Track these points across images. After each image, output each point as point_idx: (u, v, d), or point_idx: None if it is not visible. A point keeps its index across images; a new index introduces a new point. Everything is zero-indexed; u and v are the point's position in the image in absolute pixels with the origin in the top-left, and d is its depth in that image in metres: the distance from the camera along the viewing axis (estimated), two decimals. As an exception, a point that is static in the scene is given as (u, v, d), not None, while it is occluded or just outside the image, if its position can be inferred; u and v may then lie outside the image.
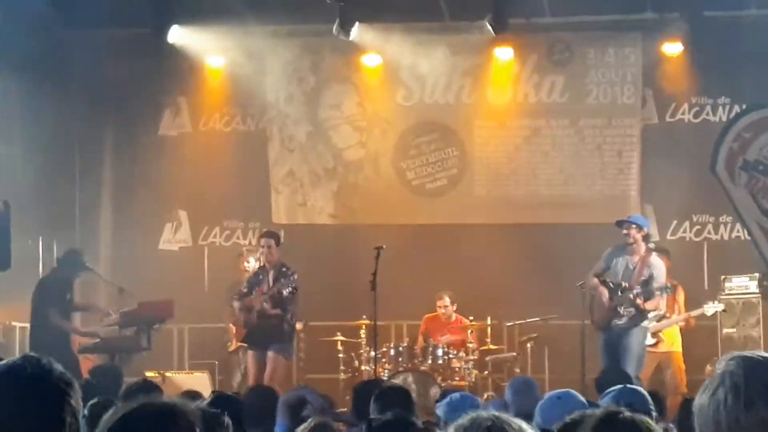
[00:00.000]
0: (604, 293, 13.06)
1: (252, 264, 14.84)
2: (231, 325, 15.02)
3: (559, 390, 6.58)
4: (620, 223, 13.21)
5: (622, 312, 12.96)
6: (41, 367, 3.01)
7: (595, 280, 13.22)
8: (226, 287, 15.19)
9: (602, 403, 6.13)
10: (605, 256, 13.27)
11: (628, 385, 6.47)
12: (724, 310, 14.60)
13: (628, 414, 3.93)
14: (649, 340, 13.62)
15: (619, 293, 12.98)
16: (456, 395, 7.05)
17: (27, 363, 3.02)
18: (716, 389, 2.77)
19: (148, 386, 7.51)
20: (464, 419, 3.05)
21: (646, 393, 6.24)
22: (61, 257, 14.49)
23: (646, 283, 12.95)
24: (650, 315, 13.22)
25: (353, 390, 8.62)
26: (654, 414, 6.02)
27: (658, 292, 12.96)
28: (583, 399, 6.44)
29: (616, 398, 6.07)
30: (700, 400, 2.82)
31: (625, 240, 13.05)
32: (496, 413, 3.07)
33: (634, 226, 13.08)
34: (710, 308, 14.52)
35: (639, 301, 12.85)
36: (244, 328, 13.63)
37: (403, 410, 5.94)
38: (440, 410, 6.80)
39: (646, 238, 13.27)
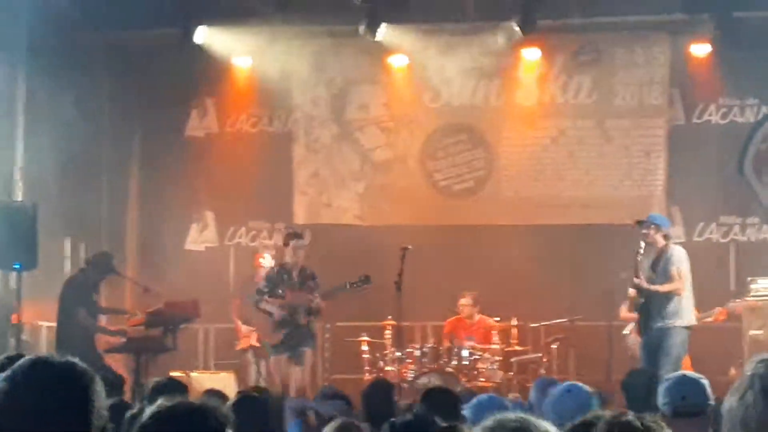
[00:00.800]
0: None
1: (267, 260, 14.89)
2: (238, 322, 15.06)
3: (567, 383, 6.54)
4: (640, 223, 13.05)
5: (640, 299, 12.83)
6: (66, 359, 3.07)
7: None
8: (241, 286, 15.28)
9: (661, 390, 6.08)
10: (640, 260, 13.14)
11: (688, 373, 6.44)
12: (726, 315, 14.48)
13: (633, 419, 3.89)
14: None
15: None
16: (484, 397, 7.02)
17: (52, 356, 3.09)
18: (745, 392, 2.76)
19: (174, 385, 7.50)
20: (489, 421, 3.03)
21: (705, 383, 6.18)
22: (92, 259, 14.52)
23: (665, 269, 12.80)
24: (678, 311, 12.95)
25: (363, 395, 8.53)
26: (711, 404, 5.96)
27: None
28: (590, 390, 6.38)
29: (674, 386, 6.03)
30: (729, 402, 2.81)
31: (644, 239, 12.90)
32: (522, 415, 3.05)
33: (653, 225, 12.95)
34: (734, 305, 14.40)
35: (637, 279, 12.68)
36: (282, 327, 13.47)
37: (451, 413, 5.92)
38: (467, 411, 6.77)
39: (666, 237, 13.13)
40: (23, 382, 3.04)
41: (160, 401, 3.10)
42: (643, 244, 12.82)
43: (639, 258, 12.88)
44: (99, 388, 3.09)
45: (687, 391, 6.10)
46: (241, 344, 15.20)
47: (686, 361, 14.25)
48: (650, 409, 8.03)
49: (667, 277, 12.72)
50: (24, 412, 3.00)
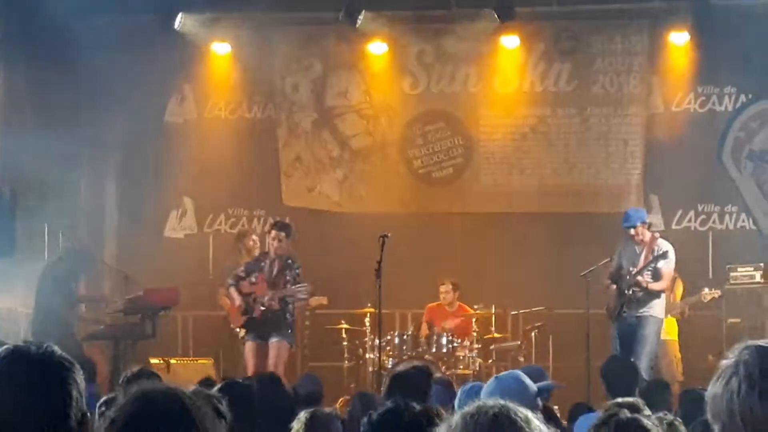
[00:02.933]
0: (615, 287, 13.06)
1: (256, 243, 14.91)
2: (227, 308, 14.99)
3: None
4: (628, 227, 13.10)
5: (628, 294, 12.91)
6: (44, 347, 3.08)
7: (608, 281, 13.23)
8: (226, 269, 15.28)
9: None
10: (617, 254, 13.26)
11: None
12: (720, 296, 14.60)
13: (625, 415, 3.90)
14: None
15: (627, 278, 12.96)
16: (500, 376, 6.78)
17: (30, 345, 3.09)
18: (730, 379, 2.76)
19: (147, 374, 7.54)
20: (470, 407, 3.03)
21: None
22: (68, 248, 14.48)
23: (655, 265, 12.92)
24: (656, 301, 13.09)
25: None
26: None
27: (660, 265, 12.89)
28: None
29: None
30: (714, 389, 2.81)
31: (633, 238, 13.02)
32: (502, 401, 3.05)
33: (639, 224, 13.07)
34: (707, 294, 14.53)
35: (641, 278, 12.79)
36: (243, 315, 13.56)
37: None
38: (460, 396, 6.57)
39: (648, 227, 13.30)
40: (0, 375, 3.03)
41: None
42: (625, 243, 12.98)
43: (615, 258, 13.08)
44: (78, 377, 3.08)
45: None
46: (242, 332, 15.06)
47: (674, 345, 14.39)
48: (629, 394, 8.08)
49: (657, 275, 12.83)
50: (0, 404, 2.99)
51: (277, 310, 13.28)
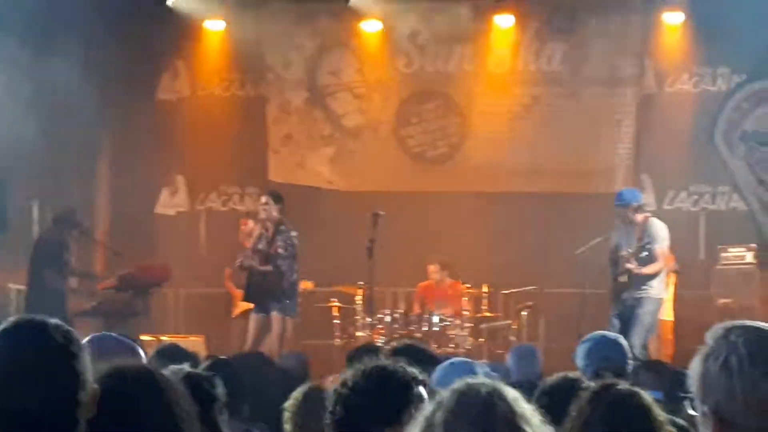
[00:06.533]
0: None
1: (251, 225, 14.79)
2: (233, 288, 14.90)
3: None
4: (619, 207, 13.01)
5: (621, 280, 12.88)
6: (38, 319, 2.96)
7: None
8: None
9: (581, 351, 6.02)
10: (614, 235, 13.14)
11: (607, 334, 6.44)
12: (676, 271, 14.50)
13: (623, 387, 3.88)
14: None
15: (619, 263, 12.91)
16: (456, 360, 6.87)
17: (24, 318, 2.98)
18: (727, 357, 2.74)
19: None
20: (460, 385, 2.96)
21: (624, 343, 6.25)
22: (56, 216, 14.43)
23: (646, 247, 12.83)
24: (654, 282, 12.98)
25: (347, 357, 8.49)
26: (631, 363, 5.97)
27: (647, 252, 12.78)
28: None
29: (595, 348, 5.98)
30: (704, 368, 2.78)
31: (624, 220, 12.93)
32: (492, 382, 3.01)
33: (631, 206, 12.93)
34: None
35: (630, 265, 12.74)
36: (238, 288, 13.64)
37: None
38: (437, 374, 6.60)
39: (640, 208, 13.17)
40: (6, 346, 2.92)
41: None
42: (619, 224, 12.90)
43: (613, 238, 12.99)
44: (76, 336, 2.99)
45: (608, 352, 6.03)
46: (237, 309, 15.04)
47: (666, 325, 14.36)
48: (619, 374, 8.09)
49: (651, 257, 12.76)
50: (9, 380, 2.88)
51: (268, 273, 13.20)
